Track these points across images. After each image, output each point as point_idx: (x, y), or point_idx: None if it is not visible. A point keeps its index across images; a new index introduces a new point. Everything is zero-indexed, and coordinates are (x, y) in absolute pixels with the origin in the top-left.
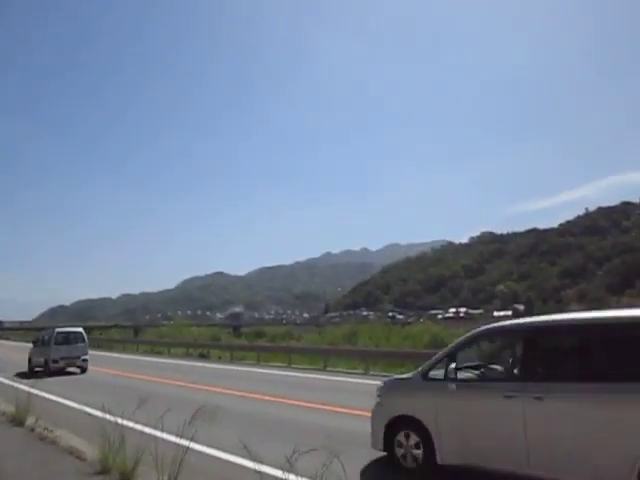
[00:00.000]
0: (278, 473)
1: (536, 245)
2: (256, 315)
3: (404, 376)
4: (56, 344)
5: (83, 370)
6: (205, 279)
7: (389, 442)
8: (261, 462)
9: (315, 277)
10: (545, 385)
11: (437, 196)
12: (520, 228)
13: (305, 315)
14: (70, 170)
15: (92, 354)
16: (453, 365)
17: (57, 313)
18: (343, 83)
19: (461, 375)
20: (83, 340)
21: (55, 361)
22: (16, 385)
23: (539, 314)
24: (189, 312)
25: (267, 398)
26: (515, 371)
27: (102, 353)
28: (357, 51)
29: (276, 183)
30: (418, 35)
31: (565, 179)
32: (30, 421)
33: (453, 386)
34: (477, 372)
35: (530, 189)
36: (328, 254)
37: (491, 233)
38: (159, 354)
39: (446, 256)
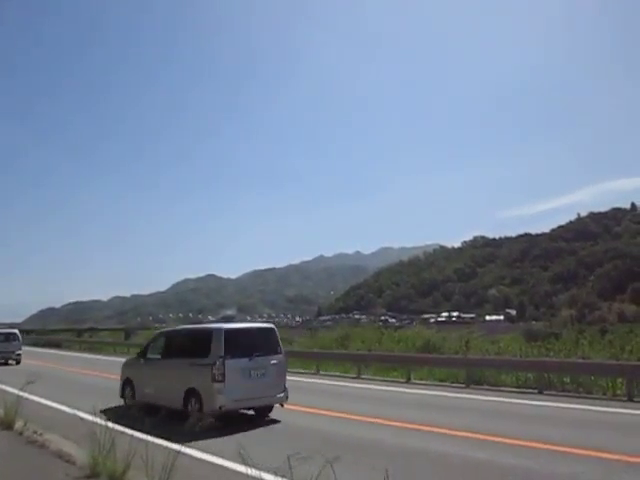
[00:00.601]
0: (271, 478)
1: (528, 250)
2: (248, 318)
3: (130, 357)
4: None
5: (17, 362)
6: (197, 281)
7: (122, 390)
8: (255, 467)
9: (308, 280)
10: (168, 360)
11: (430, 200)
12: (512, 233)
13: (298, 318)
14: (65, 174)
15: (82, 357)
16: (150, 350)
17: (47, 315)
18: (339, 85)
19: (148, 356)
20: (18, 339)
21: None
22: (4, 388)
23: (532, 319)
24: (181, 315)
25: None
26: (163, 352)
27: (92, 356)
28: (351, 51)
29: (269, 186)
30: (418, 35)
31: (558, 184)
32: (19, 424)
33: (142, 361)
34: (152, 354)
35: (523, 194)
36: (321, 257)
37: (483, 237)
38: None
39: (439, 260)
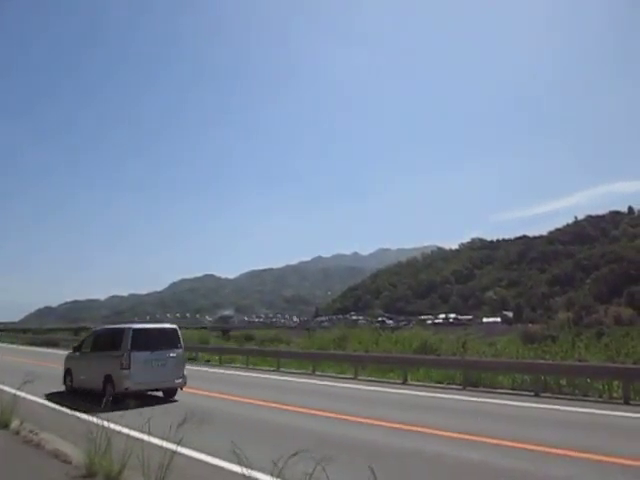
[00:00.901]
0: (267, 478)
1: (525, 252)
2: (246, 318)
3: (70, 352)
4: None
5: None
6: (195, 281)
7: (64, 378)
8: (250, 467)
9: (305, 281)
10: (95, 353)
11: (428, 202)
12: (510, 235)
13: (295, 319)
14: (63, 173)
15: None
16: (83, 345)
17: (44, 314)
18: (338, 85)
19: (82, 350)
20: None
21: None
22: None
23: (529, 321)
24: (178, 314)
25: (256, 402)
26: (91, 347)
27: None
28: (344, 53)
29: (267, 186)
30: (418, 36)
31: (556, 187)
32: (15, 424)
33: (78, 354)
34: (85, 349)
35: (521, 196)
36: (319, 258)
37: (481, 239)
38: None
39: (436, 262)
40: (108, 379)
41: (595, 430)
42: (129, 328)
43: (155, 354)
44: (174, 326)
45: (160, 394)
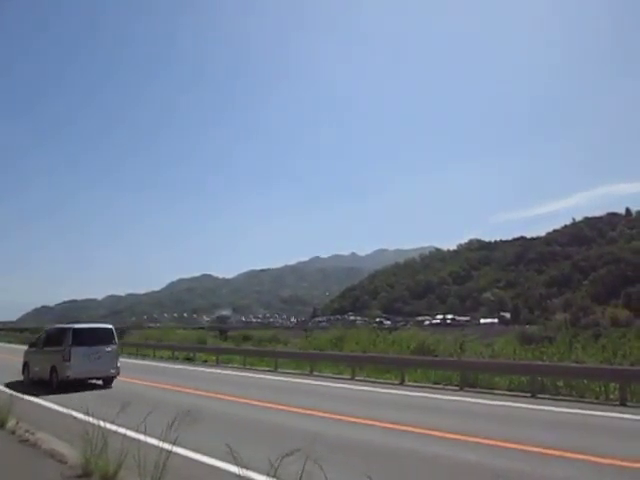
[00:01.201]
0: (262, 478)
1: (523, 253)
2: (243, 319)
3: (27, 348)
4: None
5: None
6: (192, 281)
7: (23, 370)
8: (246, 467)
9: (303, 281)
10: (45, 348)
11: (426, 202)
12: (508, 236)
13: (293, 319)
14: (65, 174)
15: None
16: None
17: (41, 314)
18: (336, 86)
19: (38, 346)
20: None
21: None
22: None
23: (527, 322)
24: (175, 314)
25: (253, 402)
26: (43, 344)
27: None
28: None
29: (266, 187)
30: (417, 36)
31: (554, 188)
32: (11, 423)
33: (34, 350)
34: (38, 345)
35: (519, 198)
36: (317, 258)
37: (479, 240)
38: (144, 356)
39: (434, 262)
40: (54, 370)
41: (592, 431)
42: (70, 328)
43: (92, 349)
44: (110, 326)
45: (99, 382)
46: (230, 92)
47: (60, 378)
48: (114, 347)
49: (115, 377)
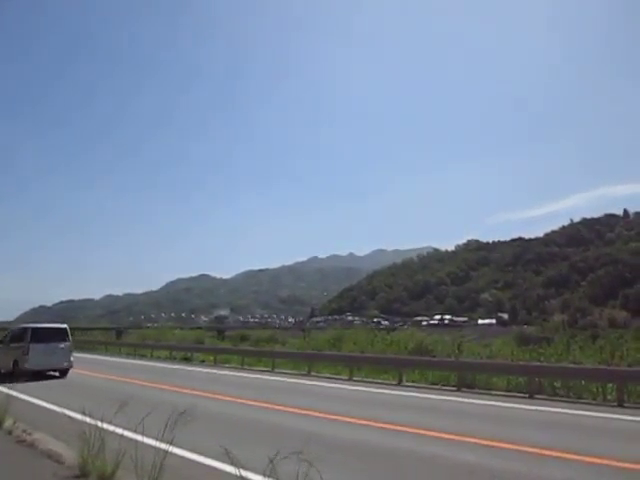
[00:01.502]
0: (259, 478)
1: (521, 254)
2: (241, 319)
3: None
4: None
5: None
6: (190, 281)
7: None
8: (243, 467)
9: (301, 281)
10: (10, 344)
11: (424, 203)
12: (506, 237)
13: (291, 319)
14: (63, 174)
15: (74, 356)
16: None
17: (38, 313)
18: (336, 86)
19: (5, 343)
20: None
21: None
22: None
23: (524, 323)
24: (173, 314)
25: (250, 402)
26: (10, 341)
27: (83, 355)
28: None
29: (264, 187)
30: (417, 36)
31: (553, 190)
32: (8, 423)
33: (1, 346)
34: (5, 342)
35: (517, 199)
36: (315, 258)
37: (477, 241)
38: (142, 356)
39: (432, 263)
40: (15, 363)
41: (589, 432)
42: (29, 327)
43: (48, 345)
44: (64, 325)
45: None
46: (230, 92)
47: (20, 369)
48: (67, 344)
49: (69, 369)
